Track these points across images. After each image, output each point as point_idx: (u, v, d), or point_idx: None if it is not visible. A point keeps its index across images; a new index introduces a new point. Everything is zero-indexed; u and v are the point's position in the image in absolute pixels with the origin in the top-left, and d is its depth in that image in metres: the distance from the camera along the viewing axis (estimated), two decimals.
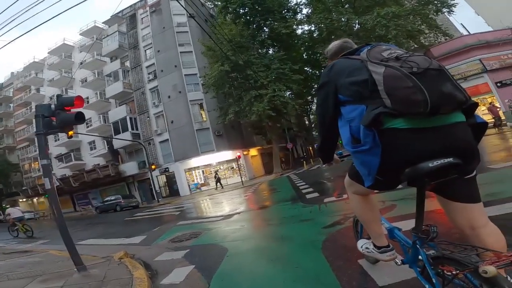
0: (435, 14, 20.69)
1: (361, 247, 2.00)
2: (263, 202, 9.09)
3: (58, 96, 4.33)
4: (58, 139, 32.68)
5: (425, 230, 1.35)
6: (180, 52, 27.21)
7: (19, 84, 38.97)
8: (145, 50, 29.28)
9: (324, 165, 2.13)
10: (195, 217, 8.90)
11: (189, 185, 24.75)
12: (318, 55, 25.87)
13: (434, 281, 1.28)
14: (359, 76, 1.25)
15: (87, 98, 31.33)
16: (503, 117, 14.56)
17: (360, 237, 2.22)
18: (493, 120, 14.26)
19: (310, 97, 33.95)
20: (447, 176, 1.18)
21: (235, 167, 25.37)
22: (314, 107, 34.82)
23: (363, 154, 1.26)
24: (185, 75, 26.63)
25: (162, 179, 26.65)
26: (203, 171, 26.15)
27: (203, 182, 25.79)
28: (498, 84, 16.44)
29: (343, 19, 20.50)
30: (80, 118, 4.17)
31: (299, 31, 26.96)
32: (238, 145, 26.04)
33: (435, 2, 20.21)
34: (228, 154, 25.10)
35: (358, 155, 1.31)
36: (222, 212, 8.50)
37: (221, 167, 26.10)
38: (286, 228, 4.69)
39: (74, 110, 4.26)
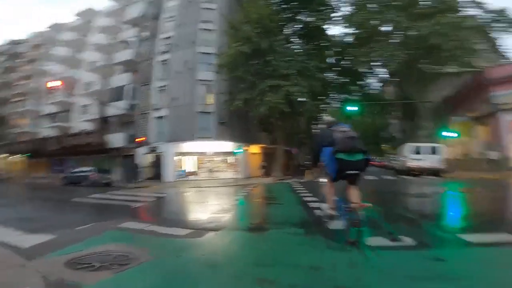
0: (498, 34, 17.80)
1: (326, 208, 4.05)
2: (257, 218, 6.35)
3: None
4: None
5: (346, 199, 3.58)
6: (201, 29, 24.59)
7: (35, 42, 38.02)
8: (165, 22, 26.81)
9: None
10: (153, 220, 6.30)
11: (176, 172, 21.95)
12: (348, 60, 22.60)
13: (345, 222, 3.51)
14: (330, 138, 3.55)
15: (95, 62, 30.79)
16: None
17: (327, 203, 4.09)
18: None
19: (323, 105, 30.44)
20: (355, 177, 3.49)
21: (230, 161, 22.60)
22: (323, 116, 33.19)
23: (331, 164, 3.52)
24: (200, 53, 23.98)
25: (148, 158, 23.91)
26: (197, 158, 23.37)
27: (192, 171, 23.00)
28: None
29: (391, 22, 17.65)
30: None
31: (331, 31, 24.20)
32: (240, 138, 23.15)
33: (505, 20, 17.31)
34: (227, 145, 22.22)
35: (329, 165, 3.58)
36: (193, 220, 6.04)
37: (216, 158, 23.31)
38: None
39: None
